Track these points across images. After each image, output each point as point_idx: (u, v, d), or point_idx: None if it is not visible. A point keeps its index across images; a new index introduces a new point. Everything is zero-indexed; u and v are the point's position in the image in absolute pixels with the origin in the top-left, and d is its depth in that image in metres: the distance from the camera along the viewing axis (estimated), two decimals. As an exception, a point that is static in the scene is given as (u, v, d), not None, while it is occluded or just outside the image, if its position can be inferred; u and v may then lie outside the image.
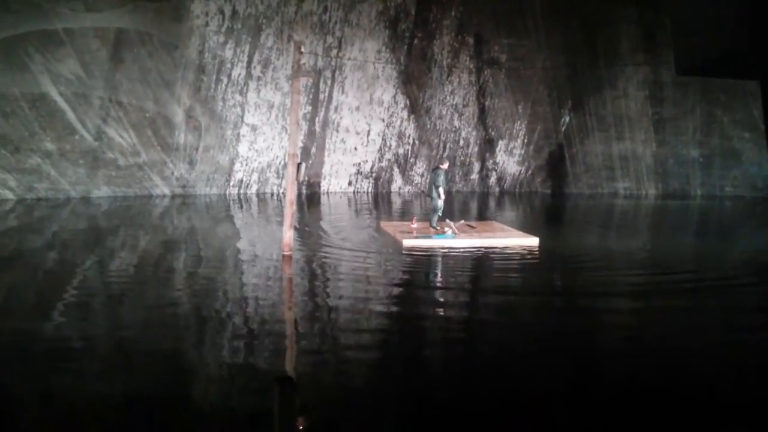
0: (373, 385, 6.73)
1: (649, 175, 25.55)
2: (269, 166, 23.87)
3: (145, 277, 11.31)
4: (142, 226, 16.83)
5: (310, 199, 23.40)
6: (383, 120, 25.15)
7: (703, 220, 20.61)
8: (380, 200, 23.93)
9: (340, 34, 23.77)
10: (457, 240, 14.01)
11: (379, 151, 25.40)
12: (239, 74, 22.69)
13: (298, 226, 15.44)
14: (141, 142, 21.67)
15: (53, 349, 7.35)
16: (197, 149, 22.62)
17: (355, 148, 25.03)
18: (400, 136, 25.53)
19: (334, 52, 23.83)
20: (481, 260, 12.80)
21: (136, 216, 18.54)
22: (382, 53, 24.52)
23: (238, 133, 23.17)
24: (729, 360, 7.37)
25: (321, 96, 24.07)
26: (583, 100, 25.46)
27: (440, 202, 14.79)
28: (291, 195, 12.66)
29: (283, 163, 23.06)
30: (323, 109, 24.24)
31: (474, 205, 22.73)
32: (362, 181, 25.51)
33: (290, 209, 12.58)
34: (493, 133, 26.23)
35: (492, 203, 23.64)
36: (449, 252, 13.24)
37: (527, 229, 15.75)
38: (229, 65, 22.51)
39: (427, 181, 15.37)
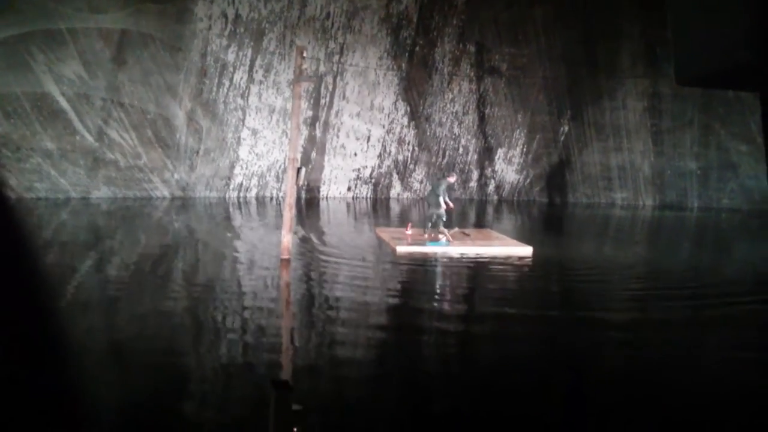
0: (364, 391, 6.80)
1: (646, 186, 25.65)
2: (269, 170, 23.94)
3: (141, 279, 11.36)
4: (141, 229, 16.87)
5: (309, 203, 23.47)
6: (383, 126, 25.24)
7: (699, 233, 20.70)
8: (379, 206, 24.00)
9: (342, 40, 23.87)
10: (451, 248, 14.04)
11: (378, 157, 25.48)
12: (241, 78, 22.79)
13: (296, 231, 15.49)
14: (142, 143, 21.74)
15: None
16: (198, 152, 22.69)
17: (355, 154, 25.11)
18: (400, 142, 25.62)
19: (336, 57, 23.93)
20: (472, 269, 12.80)
21: (136, 218, 18.59)
22: (383, 60, 24.62)
23: (239, 137, 23.24)
24: (728, 380, 7.20)
25: (322, 101, 24.16)
26: (583, 111, 25.58)
27: (441, 211, 14.75)
28: (290, 199, 12.73)
29: (283, 167, 23.13)
30: (324, 114, 24.32)
31: (472, 213, 22.80)
32: (361, 186, 25.58)
33: (289, 214, 12.65)
34: (492, 142, 26.33)
35: (490, 211, 23.72)
36: (442, 260, 13.23)
37: (523, 237, 15.81)
38: (231, 69, 22.60)
39: (428, 188, 15.36)
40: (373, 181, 25.68)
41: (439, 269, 12.54)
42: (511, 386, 6.91)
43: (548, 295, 11.32)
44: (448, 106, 25.84)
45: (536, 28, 25.04)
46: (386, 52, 24.60)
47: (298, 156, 12.99)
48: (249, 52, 22.67)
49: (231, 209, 21.22)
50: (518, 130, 26.14)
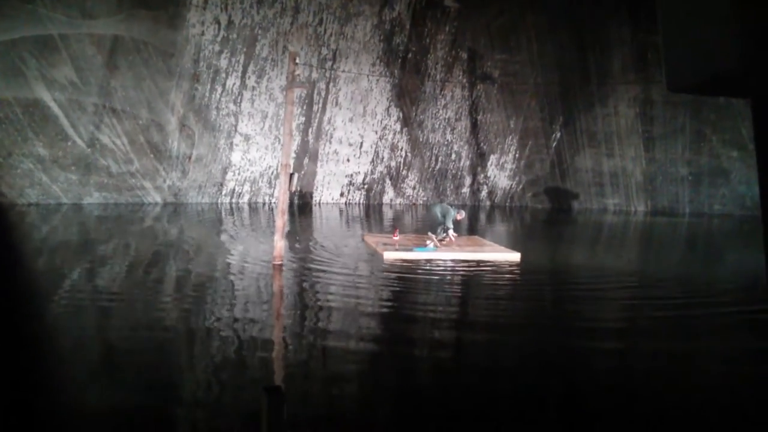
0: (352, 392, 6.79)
1: (638, 192, 25.77)
2: (261, 175, 23.93)
3: (133, 285, 11.32)
4: (133, 234, 16.81)
5: (301, 209, 23.46)
6: (376, 132, 25.28)
7: (690, 239, 20.78)
8: (372, 211, 24.01)
9: (335, 47, 23.92)
10: (438, 253, 14.03)
11: (371, 162, 25.51)
12: (234, 84, 22.79)
13: (291, 238, 15.48)
14: (134, 149, 21.70)
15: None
16: (190, 158, 22.66)
17: (348, 160, 25.13)
18: (393, 148, 25.66)
19: (329, 64, 23.98)
20: (457, 275, 12.76)
21: (128, 224, 18.53)
22: (376, 66, 24.68)
23: (231, 143, 23.24)
24: (721, 394, 7.06)
25: (315, 107, 24.18)
26: (575, 117, 25.70)
27: (441, 231, 14.84)
28: (283, 205, 12.72)
29: (275, 173, 23.14)
30: (317, 120, 24.35)
31: (464, 219, 22.79)
32: (354, 192, 25.60)
33: (282, 219, 12.64)
34: (484, 148, 26.42)
35: (482, 217, 23.75)
36: (427, 266, 13.17)
37: (512, 243, 15.81)
38: (223, 74, 22.60)
39: (438, 207, 15.34)
40: (365, 186, 25.70)
41: (425, 277, 12.41)
42: (490, 393, 6.91)
43: (532, 302, 11.09)
44: (441, 112, 25.91)
45: (528, 35, 25.16)
46: (379, 59, 24.67)
47: (291, 162, 13.00)
48: (242, 58, 22.68)
49: (223, 215, 21.17)
50: (510, 137, 26.23)
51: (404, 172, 26.06)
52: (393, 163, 25.84)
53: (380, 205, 25.56)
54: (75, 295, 10.25)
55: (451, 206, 15.61)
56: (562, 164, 26.20)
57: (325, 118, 24.45)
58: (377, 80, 24.83)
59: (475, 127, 26.25)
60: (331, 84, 24.35)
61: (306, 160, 24.49)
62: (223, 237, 16.98)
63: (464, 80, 25.86)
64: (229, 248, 15.19)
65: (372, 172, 25.64)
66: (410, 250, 14.12)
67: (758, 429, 6.07)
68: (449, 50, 25.45)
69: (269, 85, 23.17)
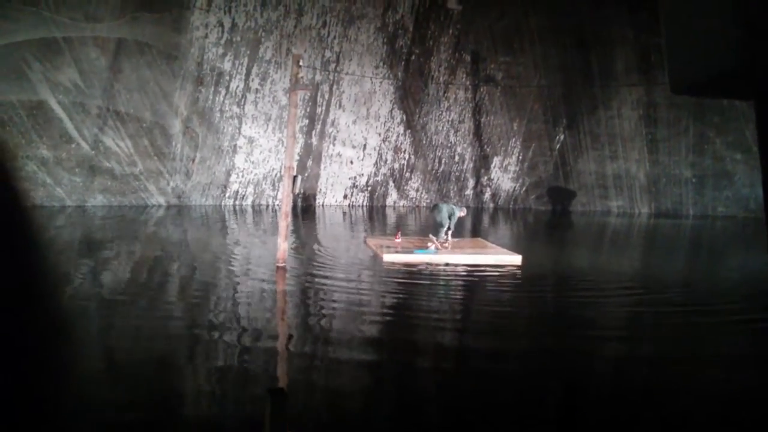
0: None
1: (642, 194, 25.73)
2: (265, 178, 23.96)
3: (136, 288, 11.34)
4: (136, 237, 16.84)
5: (305, 211, 23.47)
6: (379, 134, 25.29)
7: (695, 241, 20.73)
8: (375, 214, 24.01)
9: (339, 49, 23.94)
10: (438, 256, 14.02)
11: (374, 165, 25.52)
12: (237, 86, 22.82)
13: (294, 242, 15.49)
14: (138, 151, 21.74)
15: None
16: (194, 160, 22.70)
17: (351, 162, 25.15)
18: (396, 150, 25.67)
19: (332, 66, 24.00)
20: (457, 278, 12.74)
21: (131, 226, 18.55)
22: (379, 68, 24.70)
23: (235, 145, 23.26)
24: (722, 403, 6.96)
25: (318, 109, 24.21)
26: (578, 119, 25.68)
27: (442, 233, 14.83)
28: (286, 207, 12.73)
29: (278, 175, 23.16)
30: (320, 122, 24.37)
31: (468, 220, 22.80)
32: (357, 194, 25.61)
33: (285, 222, 12.64)
34: (488, 150, 26.42)
35: (485, 219, 23.74)
36: (427, 268, 13.15)
37: (515, 246, 15.79)
38: (227, 77, 22.64)
39: (442, 206, 15.29)
40: (369, 189, 25.71)
41: (424, 280, 12.36)
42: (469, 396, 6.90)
43: (530, 307, 10.98)
44: (444, 114, 25.92)
45: (531, 37, 25.16)
46: (382, 61, 24.68)
47: (294, 164, 13.00)
48: (245, 61, 22.72)
49: (227, 217, 21.20)
50: (514, 139, 26.22)
51: (407, 174, 26.06)
52: (396, 165, 25.85)
53: (383, 207, 25.56)
54: (82, 295, 10.27)
55: (455, 205, 15.58)
56: (566, 166, 26.18)
57: (329, 121, 24.47)
58: (380, 82, 24.85)
59: (478, 129, 26.25)
60: (335, 86, 24.37)
61: (309, 163, 24.51)
62: (227, 239, 17.00)
63: (467, 82, 25.87)
64: (232, 250, 15.21)
65: (375, 174, 25.65)
66: (410, 252, 14.11)
67: None
68: (452, 53, 25.46)
69: (273, 87, 23.20)
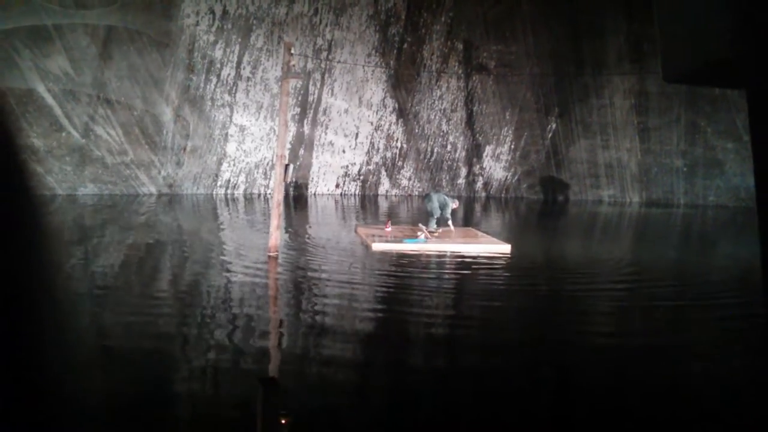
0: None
1: (633, 183, 25.81)
2: (257, 166, 23.88)
3: (128, 276, 11.31)
4: (128, 225, 16.77)
5: (297, 200, 23.43)
6: (372, 123, 25.24)
7: (685, 230, 20.83)
8: (367, 203, 24.00)
9: (331, 37, 23.83)
10: (428, 245, 14.03)
11: (367, 153, 25.48)
12: (228, 74, 22.70)
13: (287, 231, 15.47)
14: (128, 140, 21.63)
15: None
16: (185, 148, 22.60)
17: (343, 151, 25.10)
18: (388, 139, 25.63)
19: (324, 54, 23.90)
20: (447, 267, 12.74)
21: (123, 214, 18.48)
22: (371, 56, 24.61)
23: (227, 134, 23.17)
24: (716, 395, 6.98)
25: (310, 98, 24.12)
26: (570, 108, 25.69)
27: (442, 214, 14.87)
28: (278, 196, 12.70)
29: (270, 164, 23.10)
30: (312, 110, 24.29)
31: (459, 210, 22.80)
32: (350, 183, 25.57)
33: (277, 211, 12.62)
34: (480, 139, 26.40)
35: (477, 208, 23.77)
36: (414, 258, 13.15)
37: (505, 234, 15.81)
38: (218, 65, 22.51)
39: (435, 196, 15.30)
40: (361, 177, 25.68)
41: (412, 269, 12.33)
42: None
43: (517, 296, 10.96)
44: (437, 103, 25.87)
45: (524, 25, 25.11)
46: (374, 49, 24.59)
47: (286, 153, 12.97)
48: (236, 49, 22.59)
49: (219, 205, 21.15)
50: (506, 128, 26.22)
51: (400, 163, 26.03)
52: (388, 154, 25.81)
53: (376, 196, 25.54)
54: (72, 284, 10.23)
55: (447, 196, 15.59)
56: (558, 155, 26.21)
57: (321, 109, 24.40)
58: (373, 71, 24.77)
59: (470, 118, 26.22)
60: (327, 74, 24.28)
61: (301, 151, 24.45)
62: (219, 228, 16.96)
63: (460, 71, 25.82)
64: (224, 239, 15.18)
65: (367, 163, 25.61)
66: (400, 241, 14.13)
67: None
68: (445, 41, 25.39)
69: (264, 75, 23.09)
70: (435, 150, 26.17)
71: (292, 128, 23.53)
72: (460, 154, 26.46)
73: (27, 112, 20.05)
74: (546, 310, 10.09)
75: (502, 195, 26.66)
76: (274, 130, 22.42)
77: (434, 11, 24.95)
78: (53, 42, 19.95)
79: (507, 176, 26.77)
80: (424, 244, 14.05)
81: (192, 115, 22.53)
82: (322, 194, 24.98)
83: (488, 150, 26.48)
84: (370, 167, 25.71)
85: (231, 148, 23.32)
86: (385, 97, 25.22)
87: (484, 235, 15.61)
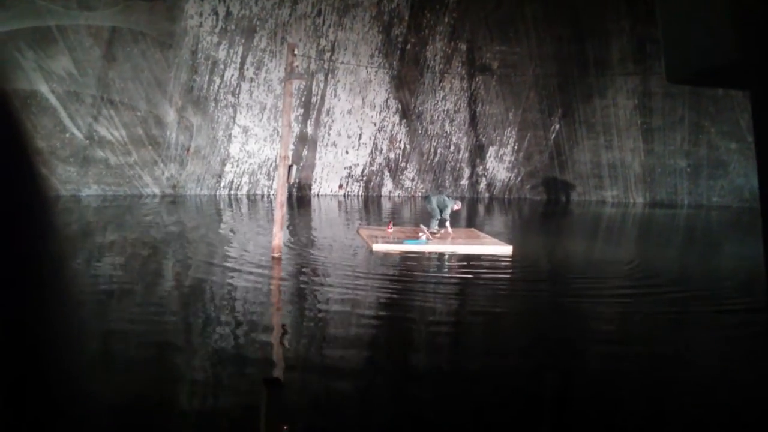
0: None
1: (637, 183, 25.77)
2: (260, 167, 23.90)
3: (131, 277, 11.32)
4: (131, 226, 16.79)
5: (300, 201, 23.43)
6: (375, 124, 25.23)
7: (689, 231, 20.77)
8: (370, 204, 24.00)
9: (334, 38, 23.84)
10: (428, 246, 14.02)
11: (370, 154, 25.48)
12: (232, 75, 22.72)
13: (289, 232, 15.48)
14: (132, 141, 21.65)
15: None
16: (188, 149, 22.62)
17: (347, 152, 25.10)
18: (392, 140, 25.63)
19: (328, 55, 23.91)
20: (446, 269, 12.71)
21: (126, 215, 18.50)
22: (375, 57, 24.62)
23: (230, 134, 23.19)
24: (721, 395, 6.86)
25: (313, 99, 24.13)
26: (573, 109, 25.65)
27: (443, 215, 14.84)
28: (281, 197, 12.71)
29: (274, 164, 23.11)
30: (315, 111, 24.30)
31: (463, 211, 22.77)
32: (353, 184, 25.57)
33: (280, 212, 12.63)
34: (483, 140, 26.38)
35: (480, 209, 23.74)
36: (415, 259, 13.13)
37: (508, 236, 15.77)
38: (222, 66, 22.53)
39: (437, 197, 15.30)
40: (364, 178, 25.68)
41: (411, 271, 12.29)
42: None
43: (516, 300, 10.87)
44: (440, 104, 25.87)
45: (527, 26, 25.09)
46: (377, 50, 24.60)
47: (290, 154, 12.98)
48: (240, 50, 22.61)
49: (222, 207, 21.16)
50: (509, 128, 26.19)
51: (403, 164, 26.03)
52: (392, 155, 25.81)
53: (379, 197, 25.54)
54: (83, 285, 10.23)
55: (448, 197, 15.56)
56: (561, 156, 26.18)
57: (324, 110, 24.41)
58: (376, 72, 24.77)
59: (473, 118, 26.21)
60: (330, 75, 24.29)
61: (305, 152, 24.45)
62: (223, 229, 16.97)
63: (463, 72, 25.80)
64: (228, 240, 15.19)
65: (371, 164, 25.61)
66: (401, 242, 14.12)
67: None
68: (448, 41, 25.38)
69: (267, 76, 23.10)
70: (438, 151, 26.16)
71: (296, 129, 23.53)
72: (464, 155, 26.45)
73: (30, 114, 20.05)
74: (548, 313, 10.06)
75: (506, 196, 26.63)
76: (278, 131, 22.42)
77: (437, 12, 24.94)
78: (57, 43, 19.98)
79: (510, 177, 26.74)
80: (425, 245, 14.05)
81: (195, 116, 22.55)
82: (325, 195, 24.98)
83: (491, 151, 26.46)
84: (374, 168, 25.70)
85: (234, 149, 23.34)
86: (388, 98, 25.22)
87: (486, 236, 15.59)
